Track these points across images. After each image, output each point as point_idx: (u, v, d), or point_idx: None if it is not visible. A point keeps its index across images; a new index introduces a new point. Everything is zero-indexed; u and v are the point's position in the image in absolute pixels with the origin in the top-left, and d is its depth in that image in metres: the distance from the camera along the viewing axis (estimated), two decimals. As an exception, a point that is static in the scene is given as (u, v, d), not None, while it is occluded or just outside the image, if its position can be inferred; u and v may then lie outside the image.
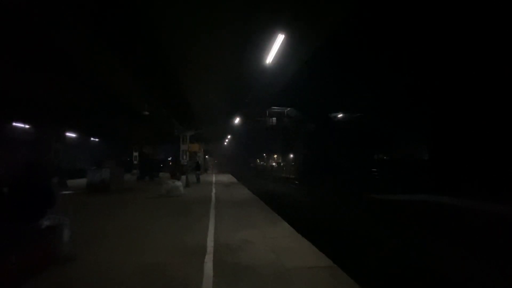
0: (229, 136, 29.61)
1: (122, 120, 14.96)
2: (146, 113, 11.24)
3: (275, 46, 5.45)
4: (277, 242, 3.93)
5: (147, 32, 5.66)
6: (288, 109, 31.18)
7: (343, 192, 15.86)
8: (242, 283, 2.62)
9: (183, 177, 12.90)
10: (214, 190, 11.27)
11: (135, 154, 24.21)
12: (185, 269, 2.94)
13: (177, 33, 5.63)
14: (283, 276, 2.78)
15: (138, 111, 11.89)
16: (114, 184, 10.71)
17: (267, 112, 30.54)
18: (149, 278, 2.74)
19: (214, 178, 19.65)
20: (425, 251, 5.18)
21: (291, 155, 41.55)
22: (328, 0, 4.63)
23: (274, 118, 31.13)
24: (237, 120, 15.90)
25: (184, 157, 14.65)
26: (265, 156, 61.85)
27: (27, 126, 15.69)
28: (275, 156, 56.88)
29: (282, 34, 5.05)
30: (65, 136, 18.48)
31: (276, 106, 30.55)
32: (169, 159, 26.79)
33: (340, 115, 30.90)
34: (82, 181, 11.46)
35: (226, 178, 20.87)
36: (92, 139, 27.20)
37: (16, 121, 15.12)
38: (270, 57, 5.99)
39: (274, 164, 53.51)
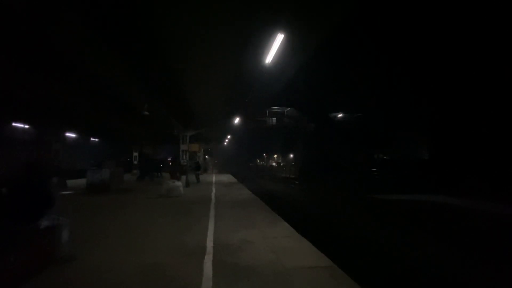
0: (229, 136, 29.62)
1: (122, 120, 14.96)
2: (146, 113, 11.23)
3: (275, 46, 5.45)
4: (277, 242, 3.92)
5: (147, 32, 5.65)
6: (288, 109, 31.18)
7: (343, 192, 15.85)
8: (241, 283, 2.61)
9: (183, 177, 12.90)
10: (214, 190, 11.26)
11: (135, 154, 24.21)
12: (185, 269, 2.93)
13: (177, 32, 5.62)
14: (283, 276, 2.77)
15: (138, 111, 11.88)
16: (114, 184, 10.70)
17: (267, 112, 30.54)
18: (148, 278, 2.73)
19: (214, 178, 19.64)
20: (424, 251, 5.17)
21: (291, 155, 41.56)
22: (328, -1, 4.63)
23: (274, 118, 31.11)
24: (237, 120, 15.90)
25: (184, 157, 14.65)
26: (265, 156, 61.88)
27: (26, 126, 15.69)
28: (275, 156, 56.91)
29: (281, 33, 5.04)
30: (65, 136, 18.51)
31: (276, 106, 30.55)
32: (169, 159, 26.77)
33: (340, 115, 30.91)
34: (82, 181, 11.44)
35: (226, 178, 20.86)
36: (92, 139, 27.22)
37: (16, 121, 15.12)
38: (269, 57, 5.99)
39: (274, 164, 53.55)
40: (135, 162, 23.52)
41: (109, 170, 10.78)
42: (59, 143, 14.61)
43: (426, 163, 19.74)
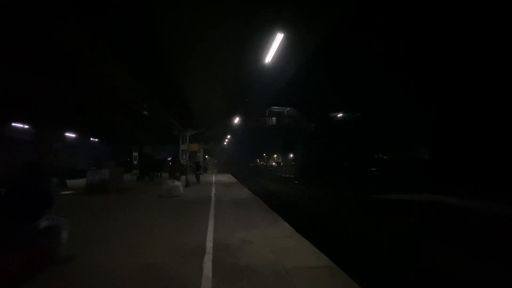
0: (229, 136, 29.61)
1: (122, 120, 14.95)
2: (145, 113, 11.21)
3: (274, 45, 5.44)
4: (277, 242, 3.92)
5: (147, 31, 5.64)
6: (288, 108, 31.14)
7: (343, 192, 15.85)
8: (241, 284, 2.60)
9: (183, 177, 12.89)
10: (214, 190, 11.26)
11: (135, 154, 24.20)
12: (184, 269, 2.92)
13: (176, 32, 5.61)
14: (283, 276, 2.77)
15: (138, 111, 11.87)
16: (113, 185, 10.69)
17: (267, 112, 30.50)
18: (148, 278, 2.72)
19: (214, 178, 19.64)
20: (424, 251, 5.17)
21: (291, 155, 41.57)
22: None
23: (274, 118, 31.07)
24: (237, 120, 15.90)
25: (184, 157, 14.64)
26: (265, 156, 61.92)
27: (26, 126, 15.68)
28: (275, 156, 56.97)
29: (281, 33, 5.03)
30: (64, 136, 18.49)
31: (276, 106, 30.51)
32: (168, 159, 26.79)
33: (340, 115, 30.89)
34: (82, 181, 11.44)
35: (226, 178, 20.85)
36: (91, 139, 27.21)
37: (16, 121, 15.11)
38: (269, 57, 5.98)
39: (274, 164, 53.58)
40: (135, 162, 23.51)
41: (109, 170, 10.78)
42: (59, 143, 14.59)
43: (426, 163, 19.75)
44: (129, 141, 23.63)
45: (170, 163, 16.65)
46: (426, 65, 19.71)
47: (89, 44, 6.07)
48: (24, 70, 7.54)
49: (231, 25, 5.23)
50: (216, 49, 6.32)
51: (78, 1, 4.65)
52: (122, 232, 4.50)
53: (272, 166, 51.94)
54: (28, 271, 2.64)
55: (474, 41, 16.08)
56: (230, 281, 2.66)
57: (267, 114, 30.88)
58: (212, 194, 9.85)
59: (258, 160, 62.74)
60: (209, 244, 3.81)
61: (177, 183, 9.52)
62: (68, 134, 20.16)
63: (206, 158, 34.38)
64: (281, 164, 47.58)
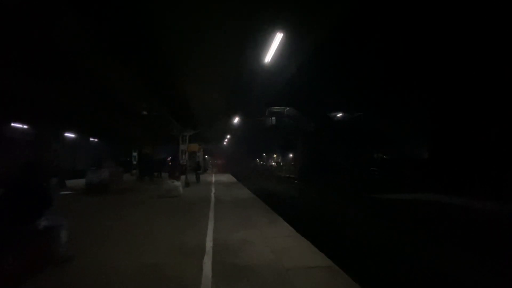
0: (228, 136, 29.60)
1: (121, 120, 14.93)
2: (145, 113, 11.20)
3: (274, 45, 5.43)
4: (277, 242, 3.91)
5: (146, 32, 5.63)
6: (288, 108, 31.09)
7: (343, 191, 15.84)
8: (241, 284, 2.60)
9: (183, 177, 12.89)
10: (213, 190, 11.24)
11: (135, 154, 24.15)
12: (184, 269, 2.92)
13: (176, 32, 5.60)
14: (283, 276, 2.76)
15: (138, 111, 11.86)
16: (113, 185, 10.69)
17: (267, 111, 30.45)
18: (147, 278, 2.72)
19: (213, 178, 19.62)
20: (424, 250, 5.16)
21: (291, 155, 41.56)
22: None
23: (274, 118, 31.02)
24: (236, 120, 15.89)
25: (183, 157, 14.63)
26: (265, 156, 61.93)
27: (25, 127, 15.65)
28: (275, 155, 56.97)
29: (280, 32, 5.02)
30: (64, 137, 18.47)
31: (276, 106, 30.46)
32: (168, 159, 26.73)
33: (339, 114, 30.86)
34: (82, 182, 11.43)
35: (226, 178, 20.84)
36: (91, 139, 27.18)
37: (15, 121, 15.08)
38: (269, 56, 5.97)
39: (273, 163, 53.56)
40: (135, 162, 23.48)
41: (109, 170, 10.77)
42: (58, 143, 14.57)
43: (425, 162, 19.75)
44: (129, 141, 23.60)
45: (170, 163, 16.65)
46: (425, 65, 19.72)
47: (88, 44, 6.05)
48: (24, 70, 7.53)
49: (230, 24, 5.22)
50: (215, 49, 6.31)
51: (78, 1, 4.64)
52: (121, 232, 4.49)
53: (272, 166, 51.93)
54: (28, 271, 2.63)
55: (474, 41, 16.09)
56: (230, 281, 2.65)
57: (266, 114, 30.82)
58: (212, 194, 9.84)
59: (258, 160, 62.75)
60: (209, 244, 3.80)
61: (177, 183, 9.52)
62: (67, 134, 20.13)
63: (206, 158, 34.39)
64: (281, 164, 47.56)
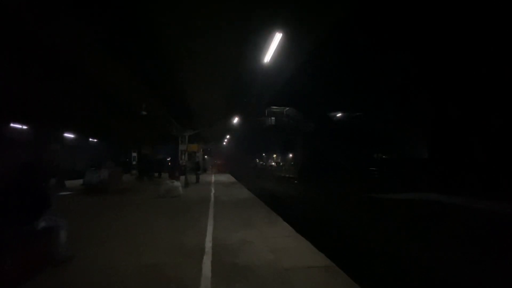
0: (228, 136, 29.58)
1: (120, 121, 14.91)
2: (144, 113, 11.19)
3: (273, 45, 5.43)
4: (276, 242, 3.91)
5: (145, 32, 5.63)
6: (287, 108, 31.12)
7: (343, 191, 15.85)
8: (240, 284, 2.60)
9: (182, 177, 12.88)
10: (213, 190, 11.24)
11: (134, 154, 24.13)
12: (184, 270, 2.92)
13: (175, 32, 5.60)
14: (282, 276, 2.76)
15: (137, 111, 11.85)
16: (112, 185, 10.67)
17: (266, 111, 30.46)
18: (147, 279, 2.72)
19: (213, 178, 19.61)
20: (423, 250, 5.17)
21: (290, 155, 41.57)
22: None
23: (273, 118, 31.03)
24: (236, 120, 15.88)
25: (183, 157, 14.62)
26: (265, 156, 61.96)
27: (24, 127, 15.63)
28: (275, 155, 57.00)
29: (280, 32, 5.02)
30: (63, 137, 18.46)
31: (275, 106, 30.47)
32: (168, 159, 26.69)
33: (339, 114, 30.89)
34: (81, 182, 11.41)
35: (226, 178, 20.83)
36: (90, 139, 27.16)
37: (14, 122, 15.07)
38: (268, 56, 5.97)
39: (273, 163, 53.57)
40: (134, 163, 23.46)
41: (108, 170, 10.75)
42: (57, 143, 14.57)
43: (425, 162, 19.77)
44: (128, 141, 23.59)
45: (170, 163, 16.64)
46: (425, 65, 19.74)
47: (88, 44, 6.05)
48: (23, 71, 7.52)
49: (230, 24, 5.23)
50: (215, 49, 6.31)
51: (78, 1, 4.64)
52: (121, 233, 4.48)
53: (271, 166, 51.93)
54: (27, 272, 2.63)
55: (472, 41, 16.11)
56: (229, 281, 2.65)
57: (266, 114, 30.84)
58: (212, 194, 9.84)
59: (257, 160, 62.74)
60: (209, 244, 3.80)
61: (176, 183, 9.50)
62: (66, 135, 20.11)
63: (205, 158, 34.35)
64: (281, 164, 47.57)
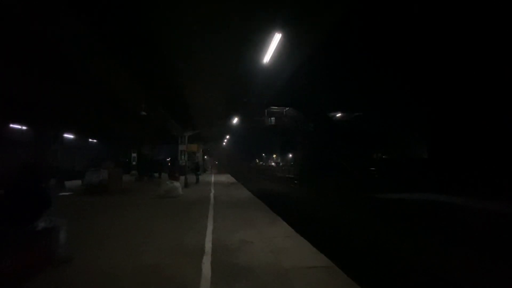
0: (228, 137, 29.60)
1: (120, 121, 14.93)
2: (144, 113, 11.20)
3: (273, 45, 5.44)
4: (276, 242, 3.91)
5: (146, 33, 5.63)
6: (287, 108, 31.11)
7: (342, 191, 15.85)
8: (240, 284, 2.59)
9: (182, 177, 12.87)
10: (213, 191, 11.24)
11: (134, 155, 24.13)
12: (183, 270, 2.91)
13: (175, 33, 5.61)
14: (282, 276, 2.76)
15: (137, 112, 11.86)
16: (112, 185, 10.64)
17: (266, 112, 30.45)
18: (147, 279, 2.71)
19: (213, 179, 19.60)
20: (423, 250, 5.17)
21: (290, 155, 41.57)
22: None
23: (273, 118, 31.01)
24: (235, 120, 15.89)
25: (183, 157, 14.62)
26: (264, 156, 61.99)
27: (24, 127, 15.63)
28: (274, 156, 57.02)
29: (279, 33, 5.03)
30: (63, 137, 18.46)
31: (275, 106, 30.47)
32: (168, 159, 26.69)
33: (339, 115, 30.90)
34: (81, 182, 11.40)
35: (225, 178, 20.83)
36: (90, 140, 27.16)
37: (14, 123, 15.07)
38: (267, 56, 5.98)
39: (273, 164, 53.59)
40: (134, 163, 23.46)
41: (108, 171, 10.74)
42: (57, 144, 14.57)
43: (425, 162, 19.77)
44: (128, 142, 23.59)
45: (170, 164, 16.64)
46: (424, 65, 19.76)
47: (87, 44, 6.05)
48: (23, 71, 7.52)
49: (230, 25, 5.23)
50: (214, 49, 6.32)
51: (78, 2, 4.64)
52: (121, 233, 4.48)
53: (271, 166, 51.93)
54: (26, 273, 2.62)
55: (472, 41, 16.12)
56: (229, 281, 2.65)
57: (266, 114, 30.83)
58: (211, 195, 9.83)
59: (257, 160, 62.75)
60: (208, 244, 3.80)
61: (176, 183, 9.50)
62: (66, 135, 20.11)
63: (205, 158, 34.37)
64: (280, 164, 47.57)
